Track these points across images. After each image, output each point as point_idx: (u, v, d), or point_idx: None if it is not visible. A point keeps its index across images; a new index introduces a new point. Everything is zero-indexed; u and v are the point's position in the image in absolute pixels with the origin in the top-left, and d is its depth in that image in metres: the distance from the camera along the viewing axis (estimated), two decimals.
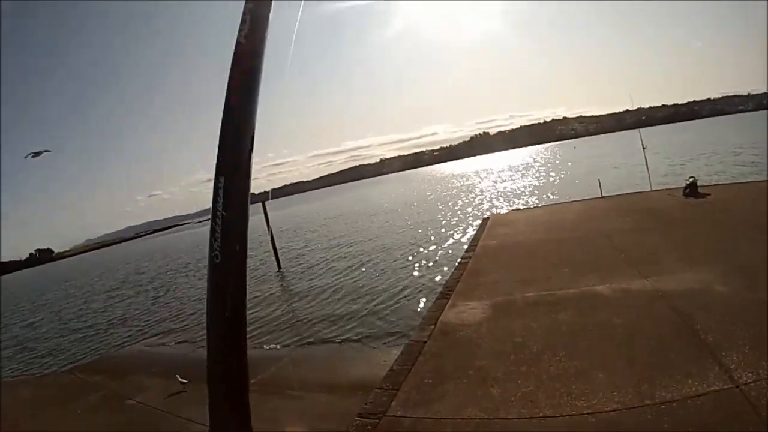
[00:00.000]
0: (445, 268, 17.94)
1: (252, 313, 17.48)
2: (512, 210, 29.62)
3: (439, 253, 22.43)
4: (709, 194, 17.07)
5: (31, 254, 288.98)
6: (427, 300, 14.73)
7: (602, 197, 21.52)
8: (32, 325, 28.77)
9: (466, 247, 16.99)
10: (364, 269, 22.05)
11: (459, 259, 14.22)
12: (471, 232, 24.77)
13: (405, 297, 16.34)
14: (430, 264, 20.51)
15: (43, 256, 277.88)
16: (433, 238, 26.52)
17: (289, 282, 23.57)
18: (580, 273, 10.05)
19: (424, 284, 17.30)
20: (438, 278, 17.35)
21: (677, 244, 11.12)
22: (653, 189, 21.63)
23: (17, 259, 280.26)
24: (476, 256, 13.41)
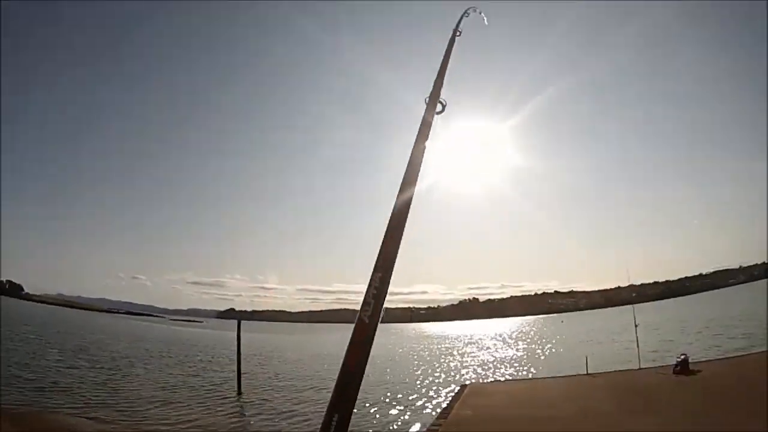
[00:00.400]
0: None
1: None
2: (493, 381, 27.92)
3: (406, 416, 19.70)
4: (700, 371, 16.37)
5: (1, 282, 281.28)
6: None
7: (588, 374, 20.34)
8: None
9: (437, 412, 15.72)
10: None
11: (429, 426, 12.85)
12: (445, 398, 22.62)
13: None
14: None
15: (12, 290, 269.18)
16: (405, 396, 23.96)
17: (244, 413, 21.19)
18: None
19: None
20: None
21: (667, 427, 10.18)
22: (642, 367, 20.67)
23: None
24: (446, 426, 11.97)
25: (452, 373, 34.79)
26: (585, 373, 20.80)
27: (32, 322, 64.76)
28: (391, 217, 2.35)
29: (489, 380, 29.53)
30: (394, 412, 20.66)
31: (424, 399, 23.44)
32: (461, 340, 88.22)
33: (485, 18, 4.14)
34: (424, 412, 20.23)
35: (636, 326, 22.44)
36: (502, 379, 29.74)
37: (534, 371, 32.96)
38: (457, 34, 3.58)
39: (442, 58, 3.22)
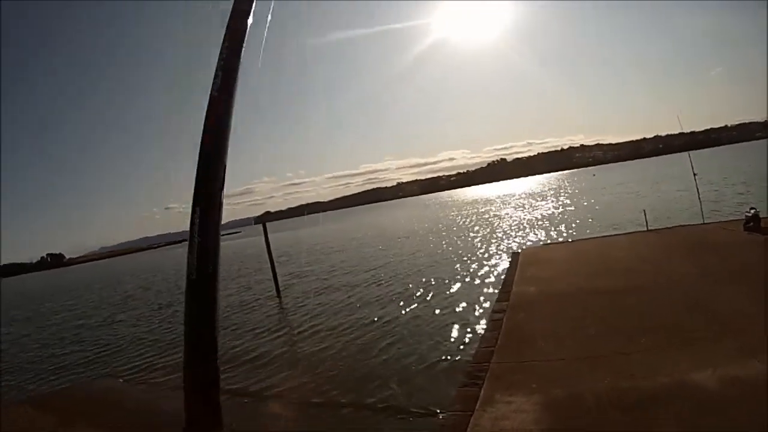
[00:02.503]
0: (475, 325, 13.74)
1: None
2: (546, 244, 25.55)
3: (465, 298, 17.29)
4: None
5: (42, 258, 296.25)
6: (446, 379, 10.06)
7: (649, 230, 18.53)
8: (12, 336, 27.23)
9: (496, 291, 14.11)
10: (375, 316, 17.04)
11: (489, 314, 11.20)
12: (501, 268, 21.06)
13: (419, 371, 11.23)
14: (455, 312, 15.71)
15: (54, 261, 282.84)
16: (457, 275, 21.88)
17: (285, 316, 20.37)
18: (662, 347, 7.09)
19: (447, 349, 12.31)
20: (467, 339, 12.69)
21: (764, 299, 8.19)
22: (705, 221, 18.73)
23: (28, 261, 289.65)
24: (511, 311, 10.14)
25: (501, 238, 33.26)
26: (645, 229, 19.06)
27: (76, 287, 63.64)
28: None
29: (541, 243, 27.47)
30: (456, 288, 19.25)
31: (479, 271, 21.99)
32: (498, 203, 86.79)
33: None
34: (482, 288, 18.72)
35: (695, 175, 20.12)
36: (556, 241, 27.10)
37: (585, 229, 30.82)
38: None
39: None
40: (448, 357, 11.45)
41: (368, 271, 27.28)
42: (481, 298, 16.52)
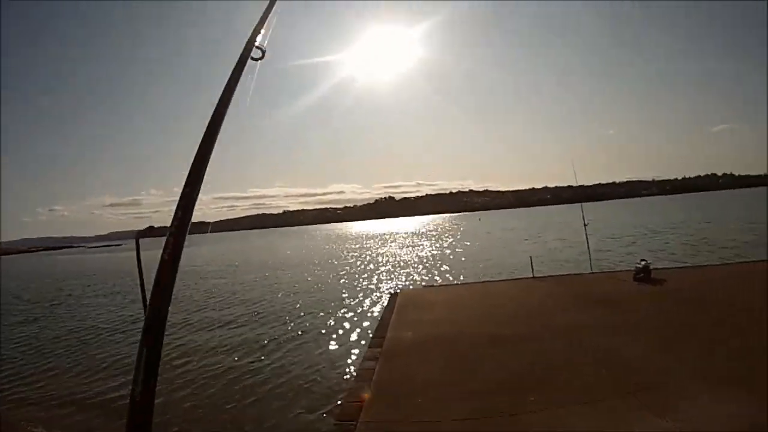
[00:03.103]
0: (340, 372, 12.13)
1: None
2: (426, 286, 23.42)
3: (340, 341, 15.72)
4: (664, 280, 14.50)
5: None
6: None
7: (535, 278, 18.01)
8: None
9: (368, 335, 12.88)
10: (236, 361, 15.41)
11: (360, 363, 9.86)
12: (376, 310, 19.81)
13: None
14: (321, 353, 14.20)
15: None
16: (334, 315, 19.64)
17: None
18: (557, 404, 6.28)
19: (307, 402, 10.40)
20: (327, 393, 10.78)
21: (667, 350, 8.01)
22: (594, 271, 18.53)
23: None
24: (385, 360, 8.95)
25: (381, 278, 31.99)
26: (531, 276, 18.53)
27: None
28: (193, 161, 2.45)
29: (420, 285, 26.07)
30: (328, 327, 17.62)
31: (353, 312, 20.44)
32: (380, 240, 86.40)
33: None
34: (360, 330, 17.15)
35: (585, 225, 20.05)
36: (437, 283, 25.85)
37: (468, 273, 30.05)
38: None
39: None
40: (313, 413, 9.86)
41: (243, 304, 25.14)
42: (361, 342, 15.03)
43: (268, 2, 3.27)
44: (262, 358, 14.60)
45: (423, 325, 11.56)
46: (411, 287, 24.81)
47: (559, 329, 10.07)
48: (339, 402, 8.29)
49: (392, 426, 6.12)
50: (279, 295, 26.98)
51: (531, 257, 20.37)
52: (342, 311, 20.65)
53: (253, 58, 2.75)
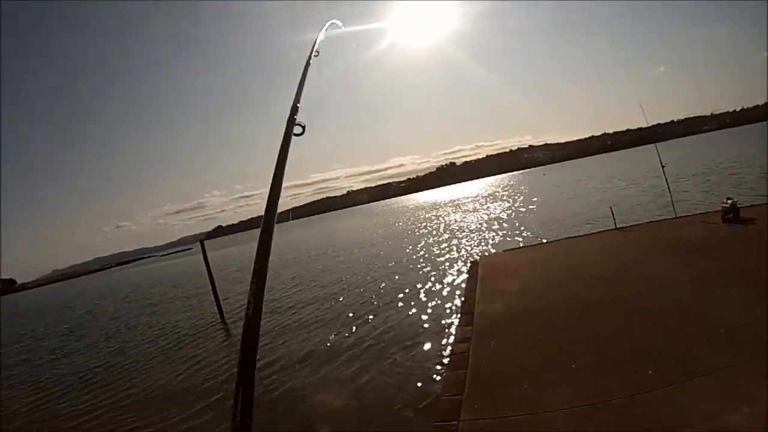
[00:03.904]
0: (434, 355, 11.31)
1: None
2: (506, 250, 20.41)
3: (423, 320, 14.73)
4: (755, 218, 13.18)
5: None
6: None
7: (618, 228, 16.99)
8: None
9: (457, 310, 12.27)
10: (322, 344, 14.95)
11: (452, 345, 9.29)
12: (459, 280, 18.85)
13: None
14: (413, 336, 13.04)
15: (5, 287, 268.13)
16: (412, 287, 19.88)
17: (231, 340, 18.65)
18: (682, 378, 5.53)
19: (404, 397, 9.52)
20: (426, 386, 9.75)
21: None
22: (678, 215, 17.29)
23: None
24: (478, 340, 8.31)
25: (454, 246, 30.87)
26: (614, 227, 17.50)
27: (27, 314, 58.57)
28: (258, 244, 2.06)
29: (500, 249, 23.16)
30: (412, 311, 16.97)
31: (436, 284, 19.65)
32: (448, 208, 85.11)
33: (342, 25, 3.90)
34: (442, 301, 16.41)
35: (663, 166, 18.69)
36: (516, 246, 22.46)
37: (546, 231, 28.44)
38: (314, 54, 3.32)
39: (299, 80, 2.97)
40: (410, 407, 9.24)
41: (324, 288, 24.98)
42: (450, 316, 14.29)
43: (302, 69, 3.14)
44: (353, 345, 14.19)
45: (510, 296, 10.86)
46: (489, 253, 23.47)
47: (658, 286, 9.24)
48: (437, 393, 7.67)
49: (497, 425, 5.55)
50: (358, 276, 26.69)
51: (611, 207, 19.32)
52: (424, 285, 19.96)
53: (295, 134, 2.72)
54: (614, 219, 17.69)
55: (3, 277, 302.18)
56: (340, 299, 21.33)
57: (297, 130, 2.80)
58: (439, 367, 10.19)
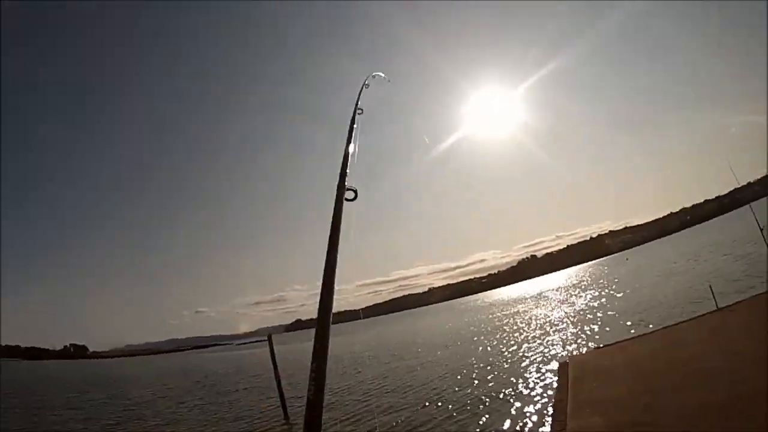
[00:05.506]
0: None
1: None
2: (598, 347, 18.44)
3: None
4: None
5: (65, 347, 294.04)
6: None
7: (721, 309, 14.86)
8: None
9: (544, 423, 10.53)
10: None
11: None
12: (540, 387, 16.42)
13: None
14: None
15: (77, 352, 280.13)
16: (495, 392, 17.37)
17: None
18: None
19: None
20: None
21: None
22: None
23: (50, 348, 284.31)
24: None
25: (540, 344, 28.52)
26: (715, 308, 15.35)
27: (97, 382, 58.81)
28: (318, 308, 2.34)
29: (591, 346, 21.23)
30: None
31: (521, 389, 17.61)
32: (531, 302, 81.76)
33: (386, 77, 4.15)
34: (529, 413, 14.34)
35: (761, 229, 16.58)
36: (609, 342, 19.02)
37: (638, 322, 25.38)
38: (358, 112, 3.48)
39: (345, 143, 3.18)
40: None
41: (400, 391, 22.95)
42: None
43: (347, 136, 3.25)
44: None
45: (610, 406, 8.99)
46: (578, 351, 21.05)
47: None
48: None
49: None
50: (436, 379, 24.42)
51: (710, 285, 17.19)
52: (508, 390, 17.73)
53: (347, 200, 2.79)
54: (714, 297, 15.59)
55: (77, 343, 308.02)
56: (422, 404, 19.04)
57: (349, 195, 2.84)
58: None
